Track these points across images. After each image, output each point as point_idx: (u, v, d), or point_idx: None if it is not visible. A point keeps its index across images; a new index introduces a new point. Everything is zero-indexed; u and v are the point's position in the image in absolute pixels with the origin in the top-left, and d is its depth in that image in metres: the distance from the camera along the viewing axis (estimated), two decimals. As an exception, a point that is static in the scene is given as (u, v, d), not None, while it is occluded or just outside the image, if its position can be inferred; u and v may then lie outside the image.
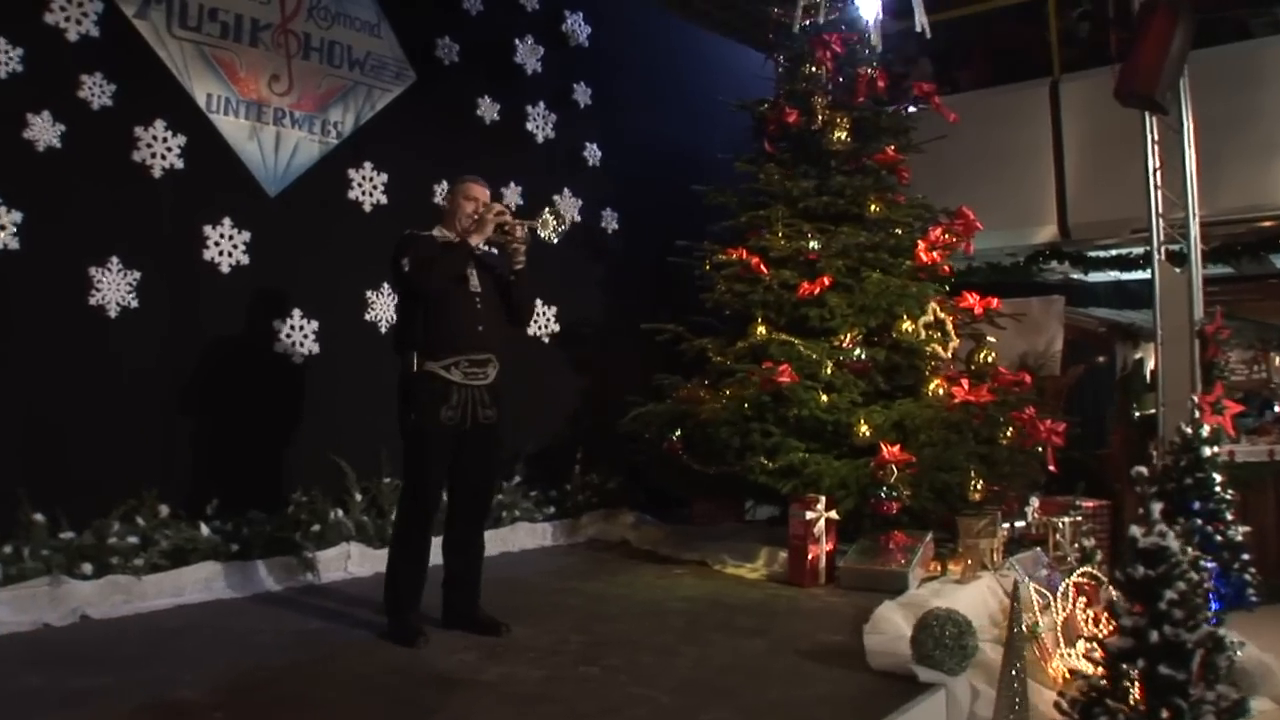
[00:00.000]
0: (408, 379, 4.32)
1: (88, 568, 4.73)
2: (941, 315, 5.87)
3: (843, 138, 6.10)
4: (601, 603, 5.09)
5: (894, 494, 5.36)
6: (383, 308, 5.95)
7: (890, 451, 5.42)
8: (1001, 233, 7.16)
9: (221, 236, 5.34)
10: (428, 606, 4.48)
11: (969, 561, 5.38)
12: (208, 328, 5.33)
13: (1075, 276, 7.58)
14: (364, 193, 5.92)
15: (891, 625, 4.42)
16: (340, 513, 5.63)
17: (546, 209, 4.49)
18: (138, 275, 5.04)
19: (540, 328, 6.78)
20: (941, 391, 5.80)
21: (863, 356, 5.84)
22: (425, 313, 4.32)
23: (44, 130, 4.76)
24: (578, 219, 7.03)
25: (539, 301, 6.72)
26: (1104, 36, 6.90)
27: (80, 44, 4.91)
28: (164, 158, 5.14)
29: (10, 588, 4.51)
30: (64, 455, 4.85)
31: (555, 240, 4.45)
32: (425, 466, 4.36)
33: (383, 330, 5.96)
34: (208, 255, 5.29)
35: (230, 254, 5.36)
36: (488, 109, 6.55)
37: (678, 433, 6.17)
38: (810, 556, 5.40)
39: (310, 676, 3.89)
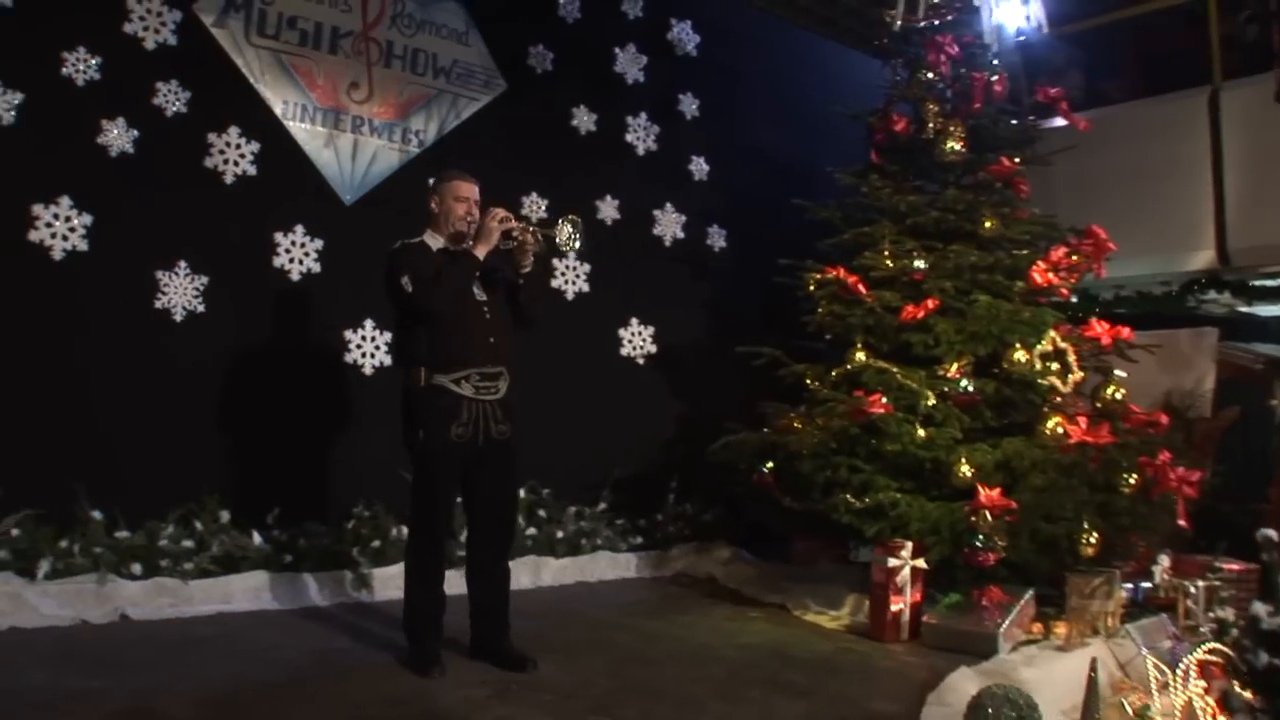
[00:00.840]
0: (413, 394, 4.10)
1: (137, 568, 4.78)
2: (1062, 345, 5.26)
3: (956, 148, 5.56)
4: (652, 643, 4.75)
5: (990, 544, 4.82)
6: None
7: (987, 495, 4.86)
8: (1151, 259, 6.38)
9: (293, 244, 5.37)
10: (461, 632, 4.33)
11: (1077, 626, 4.75)
12: (275, 335, 5.35)
13: (1242, 309, 6.70)
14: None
15: (960, 696, 3.85)
16: (403, 530, 5.59)
17: (563, 218, 4.17)
18: (205, 280, 5.11)
19: (635, 348, 6.53)
20: (1061, 430, 5.21)
21: (969, 388, 5.28)
22: (430, 325, 4.09)
23: (118, 136, 4.91)
24: (681, 235, 6.80)
25: (635, 321, 6.54)
26: (1272, 38, 6.06)
27: (157, 52, 5.06)
28: (236, 164, 5.21)
29: (58, 581, 4.60)
30: (124, 455, 4.93)
31: (575, 250, 4.18)
32: (434, 487, 4.15)
33: None
34: (278, 262, 5.33)
35: (301, 261, 5.38)
36: (583, 119, 6.38)
37: (769, 465, 5.81)
38: (892, 608, 4.89)
39: (299, 698, 3.74)
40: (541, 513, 6.06)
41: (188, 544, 4.95)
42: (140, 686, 3.76)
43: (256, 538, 5.07)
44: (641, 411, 6.45)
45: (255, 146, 5.25)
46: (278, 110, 5.32)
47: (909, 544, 5.00)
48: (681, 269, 6.68)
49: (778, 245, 6.14)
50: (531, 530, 5.95)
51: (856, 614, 5.27)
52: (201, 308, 5.09)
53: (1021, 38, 6.06)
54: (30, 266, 4.72)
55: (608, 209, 6.42)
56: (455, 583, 4.28)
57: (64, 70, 4.82)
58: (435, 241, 4.22)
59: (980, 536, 4.85)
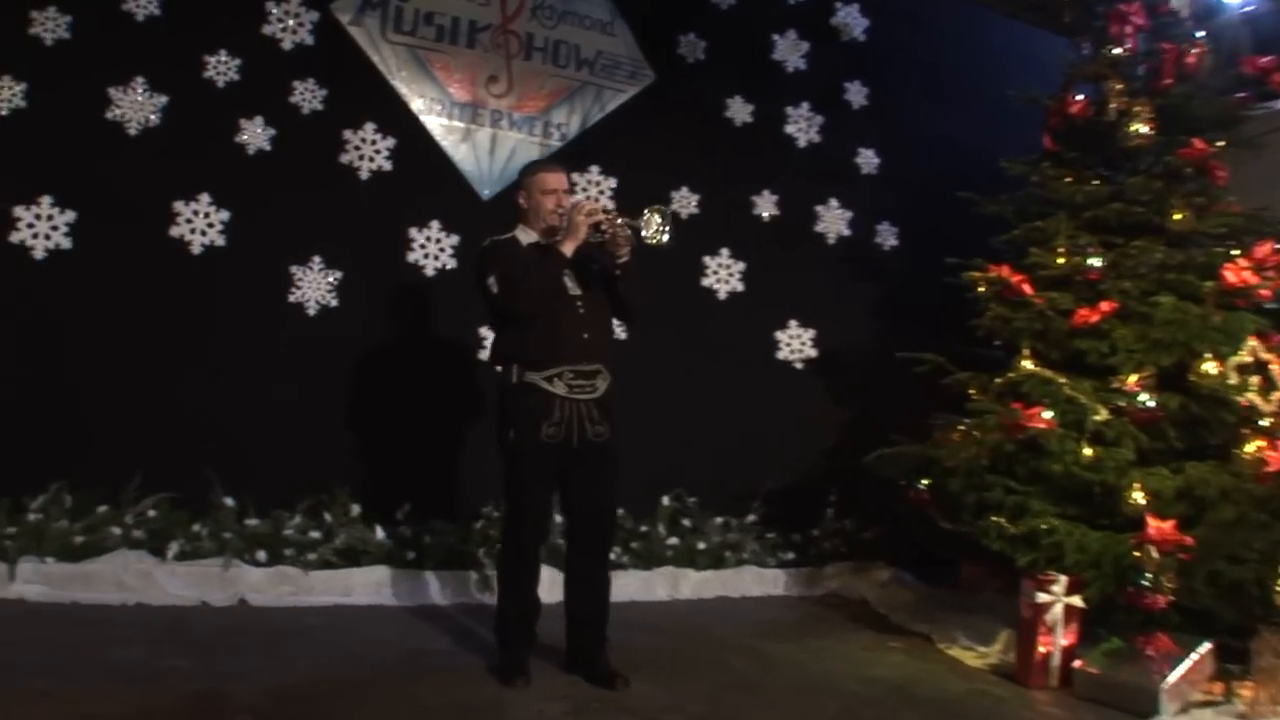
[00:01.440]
0: (505, 392, 4.00)
1: (261, 555, 4.92)
2: (1264, 356, 4.52)
3: (1142, 130, 4.89)
4: (768, 669, 4.45)
5: (1158, 584, 4.19)
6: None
7: (1156, 527, 4.23)
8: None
9: (428, 239, 5.40)
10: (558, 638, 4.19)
11: (1266, 690, 4.05)
12: (409, 330, 5.39)
13: None
14: (590, 198, 5.66)
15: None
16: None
17: (650, 207, 3.94)
18: (339, 275, 5.22)
19: (793, 352, 6.18)
20: (1260, 457, 4.46)
21: (1149, 403, 4.65)
22: (521, 322, 3.97)
23: (255, 134, 5.11)
24: (847, 232, 6.38)
25: (794, 324, 6.18)
26: None
27: (294, 52, 5.23)
28: (372, 160, 5.30)
29: (186, 563, 4.80)
30: (257, 445, 5.08)
31: (664, 242, 3.89)
32: (526, 490, 4.02)
33: None
34: (412, 257, 5.37)
35: (437, 257, 5.40)
36: (738, 110, 6.10)
37: (925, 481, 5.35)
38: (1040, 650, 4.35)
39: (369, 696, 3.75)
40: (686, 522, 5.84)
41: (315, 534, 5.03)
42: (226, 670, 3.86)
43: (380, 532, 5.11)
44: (799, 419, 6.08)
45: (391, 142, 5.32)
46: (414, 106, 5.37)
47: (1063, 578, 4.46)
48: (847, 269, 6.26)
49: (955, 243, 5.65)
50: (673, 540, 5.74)
51: (1007, 652, 4.73)
52: (335, 302, 5.21)
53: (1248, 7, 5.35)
54: (170, 260, 4.95)
55: (765, 204, 6.11)
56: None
57: (206, 73, 5.06)
58: (527, 236, 4.10)
59: (1147, 575, 4.27)
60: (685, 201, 5.93)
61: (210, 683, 3.71)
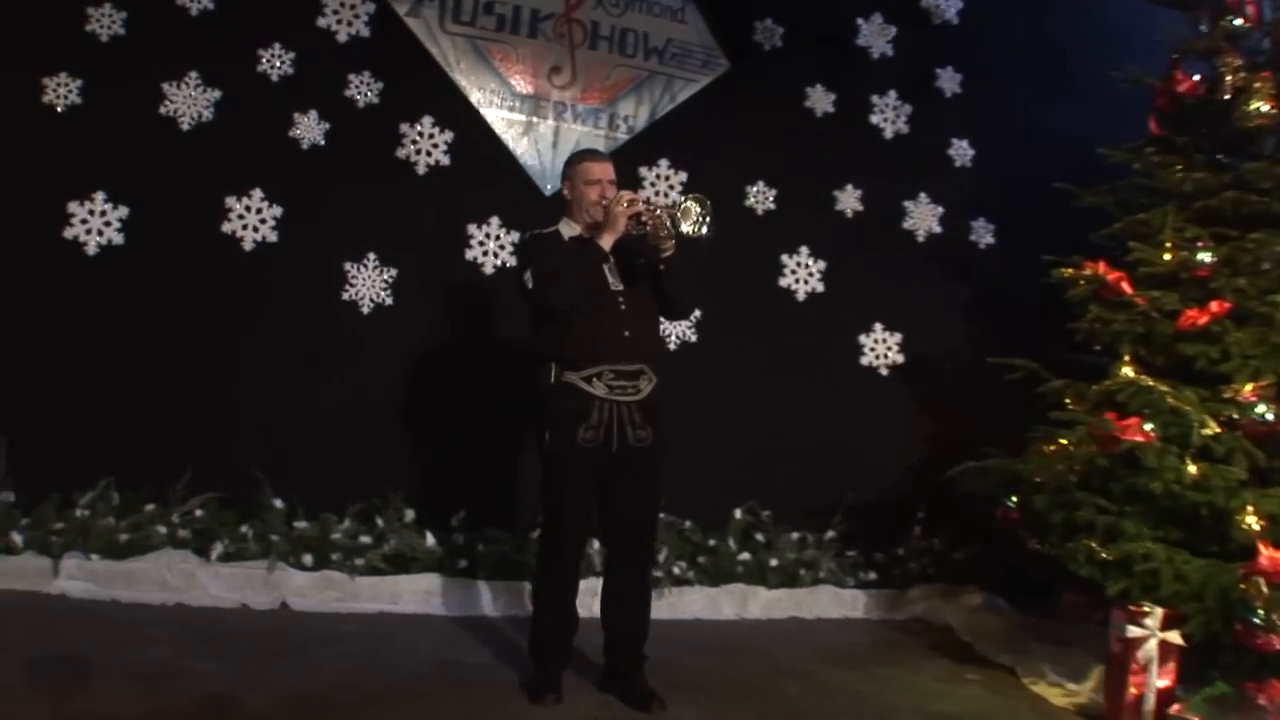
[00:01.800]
0: (542, 392, 3.81)
1: (308, 558, 4.84)
2: (1402, 364, 3.99)
3: (1263, 109, 4.36)
4: (824, 697, 4.13)
5: (1270, 623, 3.71)
6: (673, 323, 5.39)
7: (1270, 557, 3.75)
8: None
9: (487, 236, 5.27)
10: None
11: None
12: (467, 330, 5.26)
13: None
14: (658, 193, 5.49)
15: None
16: (595, 544, 5.28)
17: (686, 196, 3.70)
18: (394, 272, 5.13)
19: (878, 357, 5.81)
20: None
21: (1267, 416, 4.14)
22: (559, 319, 3.79)
23: (309, 129, 5.05)
24: (938, 229, 5.95)
25: (879, 327, 5.81)
26: None
27: (349, 44, 5.17)
28: (429, 154, 5.20)
29: (230, 564, 4.76)
30: (309, 446, 5.02)
31: (703, 234, 3.66)
32: (562, 496, 3.83)
33: (671, 347, 5.45)
34: (470, 255, 5.25)
35: (496, 254, 5.27)
36: (819, 99, 5.77)
37: (1014, 498, 4.94)
38: (1131, 691, 3.92)
39: (386, 708, 3.63)
40: (759, 537, 5.54)
41: (365, 539, 4.93)
42: (247, 675, 3.78)
43: (430, 539, 4.98)
44: (884, 429, 5.71)
45: (449, 136, 5.22)
46: (473, 98, 5.26)
47: (1159, 610, 4.01)
48: (937, 268, 5.87)
49: (1058, 240, 5.23)
50: (744, 556, 5.45)
51: (1099, 692, 4.28)
52: (390, 300, 5.12)
53: None
54: (222, 257, 4.93)
55: (848, 200, 5.77)
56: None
57: (259, 67, 5.04)
58: (570, 230, 3.93)
59: (1258, 611, 3.79)
60: (761, 197, 5.66)
61: (226, 687, 3.64)
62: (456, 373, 5.23)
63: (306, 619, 4.61)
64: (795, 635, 5.17)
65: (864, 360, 5.81)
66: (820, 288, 5.73)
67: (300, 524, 4.93)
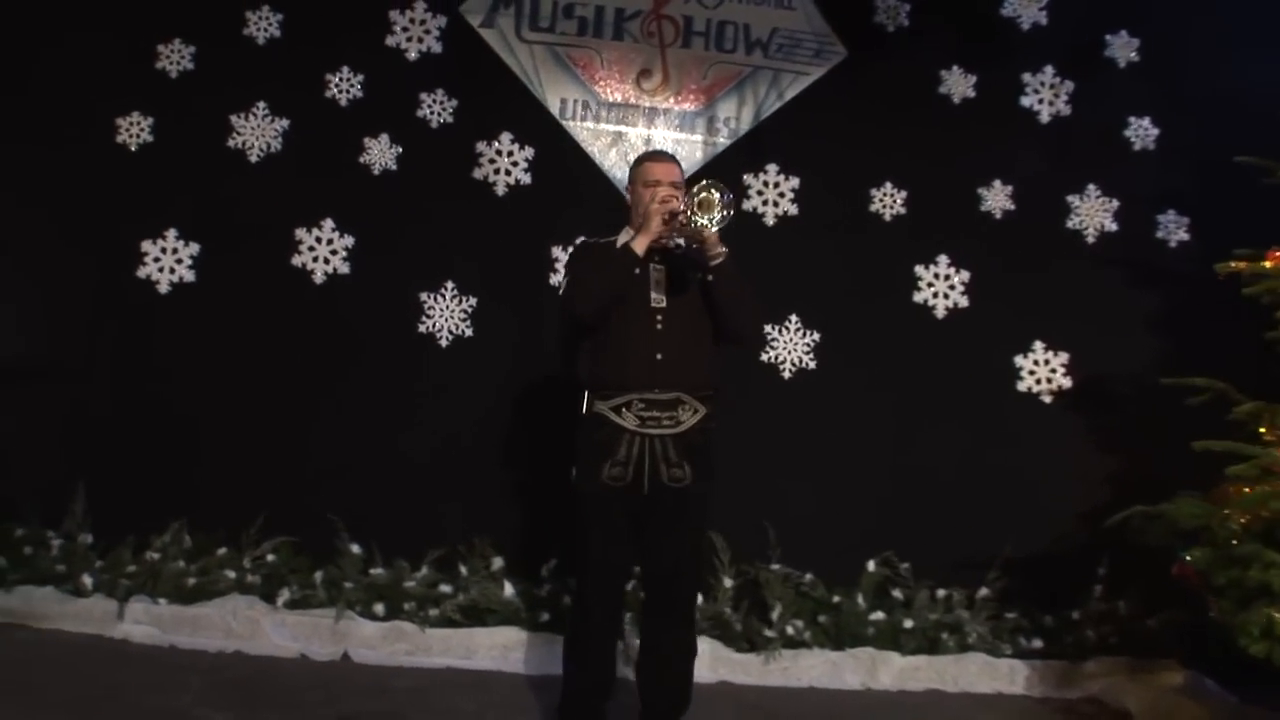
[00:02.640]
0: (577, 423, 3.60)
1: (379, 608, 4.75)
2: None
3: None
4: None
5: None
6: (785, 346, 5.06)
7: None
8: None
9: None
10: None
11: None
12: (539, 363, 5.00)
13: None
14: (766, 202, 5.14)
15: None
16: (700, 599, 4.89)
17: (704, 183, 3.34)
18: (474, 302, 5.01)
19: (1040, 381, 5.13)
20: None
21: None
22: (593, 338, 3.56)
23: (381, 153, 5.02)
24: (1113, 227, 5.19)
25: (1040, 346, 5.14)
26: None
27: (421, 62, 5.12)
28: (508, 173, 5.06)
29: (297, 612, 4.74)
30: (387, 488, 4.96)
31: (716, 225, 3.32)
32: (589, 541, 3.56)
33: (785, 375, 5.07)
34: (556, 280, 5.01)
35: None
36: (956, 83, 5.20)
37: (1193, 552, 4.17)
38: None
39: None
40: (896, 593, 5.00)
41: (445, 588, 4.81)
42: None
43: (508, 589, 4.79)
44: (1050, 467, 5.06)
45: (529, 152, 5.06)
46: (554, 110, 5.08)
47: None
48: (1114, 273, 5.12)
49: (1272, 231, 4.47)
50: (876, 615, 4.92)
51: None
52: (470, 331, 5.00)
53: None
54: (293, 291, 4.96)
55: (996, 198, 5.16)
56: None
57: (328, 92, 5.06)
58: (627, 237, 3.64)
59: None
60: (889, 200, 5.16)
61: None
62: (546, 408, 4.96)
63: (361, 672, 4.51)
64: (934, 712, 4.60)
65: (1021, 385, 5.14)
66: (964, 302, 5.14)
67: (376, 571, 4.85)
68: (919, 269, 5.16)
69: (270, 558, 4.86)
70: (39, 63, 4.98)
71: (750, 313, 3.64)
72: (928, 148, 5.20)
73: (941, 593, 5.05)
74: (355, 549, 4.87)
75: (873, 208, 5.17)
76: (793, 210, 5.16)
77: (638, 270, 3.48)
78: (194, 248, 4.97)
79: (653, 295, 3.53)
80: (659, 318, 3.51)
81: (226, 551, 4.83)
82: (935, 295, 5.17)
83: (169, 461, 4.84)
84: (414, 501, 4.93)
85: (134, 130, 4.95)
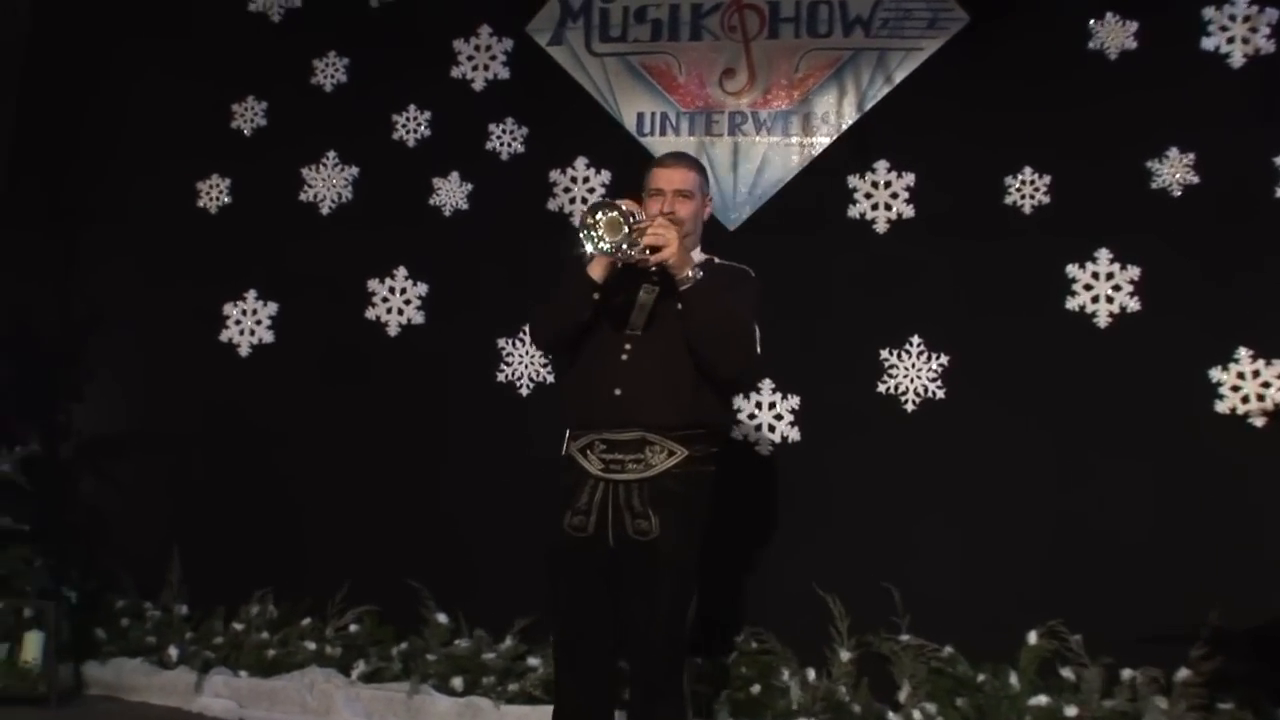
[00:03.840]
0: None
1: (458, 682, 4.73)
2: None
3: None
4: None
5: None
6: (906, 374, 4.64)
7: None
8: None
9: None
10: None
11: None
12: None
13: None
14: (876, 205, 4.79)
15: None
16: (810, 675, 4.53)
17: (590, 205, 3.23)
18: (553, 347, 4.99)
19: (1245, 400, 4.35)
20: None
21: None
22: (568, 369, 3.50)
23: (451, 193, 5.15)
24: None
25: (1245, 355, 4.38)
26: None
27: (488, 91, 5.23)
28: (585, 202, 5.01)
29: (372, 685, 4.81)
30: (473, 549, 4.97)
31: (618, 252, 3.15)
32: (556, 600, 3.45)
33: (908, 408, 4.65)
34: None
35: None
36: (1113, 34, 4.63)
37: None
38: None
39: None
40: (1065, 672, 4.38)
41: (533, 660, 4.74)
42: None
43: (594, 662, 4.64)
44: (1268, 506, 4.28)
45: (606, 176, 5.06)
46: (630, 126, 5.03)
47: None
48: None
49: None
50: (1038, 699, 4.31)
51: None
52: (551, 378, 4.93)
53: None
54: (369, 344, 5.12)
55: (1171, 171, 4.52)
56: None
57: (394, 134, 5.23)
58: None
59: None
60: (1028, 188, 4.67)
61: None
62: None
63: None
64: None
65: (1222, 406, 4.40)
66: (1134, 305, 4.51)
67: (462, 641, 4.87)
68: (1072, 269, 4.59)
69: (353, 628, 4.97)
70: (123, 139, 5.49)
71: (723, 350, 3.33)
72: (1077, 120, 4.66)
73: (1127, 673, 4.34)
74: (441, 618, 4.91)
75: (1008, 200, 4.68)
76: (908, 212, 4.78)
77: (596, 295, 3.32)
78: (272, 307, 5.25)
79: (632, 320, 3.36)
80: (627, 347, 3.34)
81: (311, 621, 5.02)
82: (1095, 300, 4.56)
83: (257, 528, 5.13)
84: (501, 565, 4.86)
85: (213, 193, 5.38)
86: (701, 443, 3.35)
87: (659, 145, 5.00)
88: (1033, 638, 4.47)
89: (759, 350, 3.40)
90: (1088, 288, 4.60)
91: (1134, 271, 4.55)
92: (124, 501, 5.29)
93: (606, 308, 3.38)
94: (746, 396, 4.80)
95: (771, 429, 4.82)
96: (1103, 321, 4.56)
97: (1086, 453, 4.56)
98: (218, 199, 5.35)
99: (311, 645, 4.98)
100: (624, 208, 3.22)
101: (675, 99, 5.03)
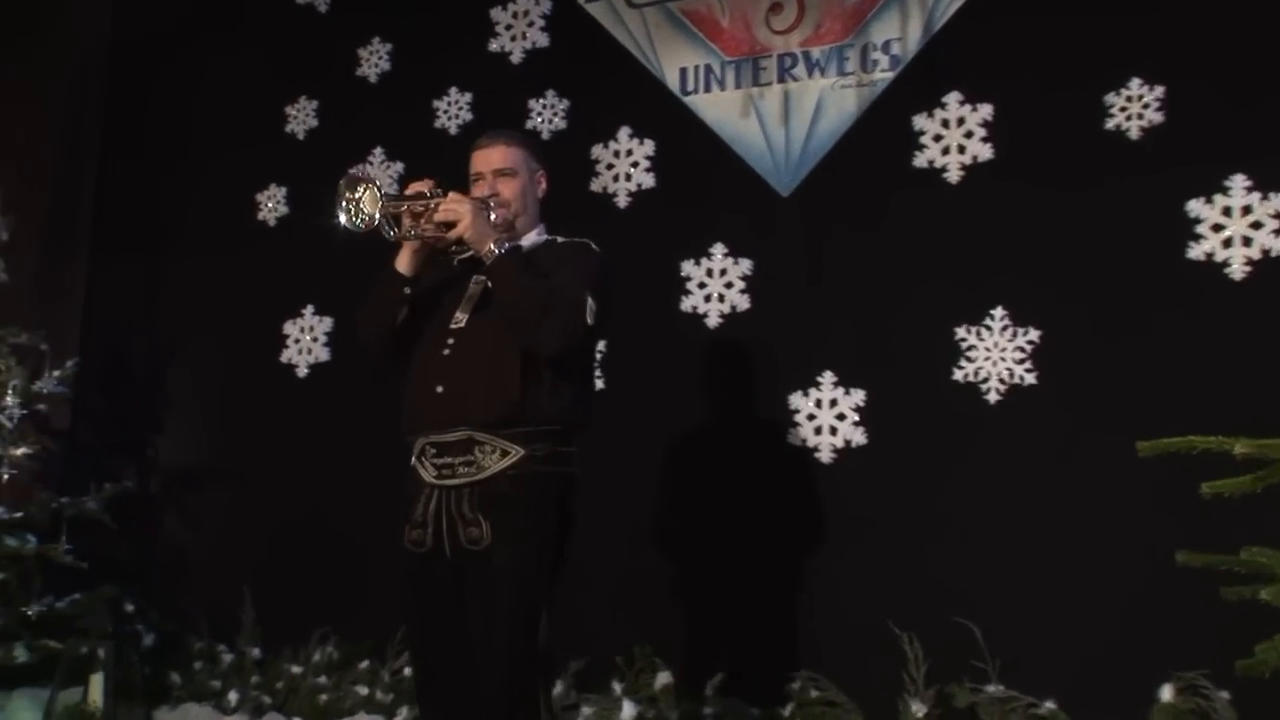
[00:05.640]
0: None
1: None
2: None
3: None
4: None
5: None
6: (987, 355, 4.27)
7: None
8: None
9: (709, 274, 4.84)
10: None
11: None
12: (695, 409, 4.81)
13: None
14: (947, 149, 4.50)
15: None
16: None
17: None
18: (602, 346, 4.85)
19: None
20: None
21: None
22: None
23: (494, 182, 5.20)
24: None
25: None
26: None
27: (527, 62, 5.41)
28: (628, 178, 5.06)
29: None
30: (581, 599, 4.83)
31: (360, 224, 3.32)
32: (406, 616, 3.59)
33: (990, 398, 4.30)
34: (689, 303, 4.86)
35: (722, 297, 4.82)
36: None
37: None
38: None
39: None
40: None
41: (586, 710, 4.74)
42: None
43: (626, 709, 4.57)
44: None
45: (649, 147, 5.09)
46: (673, 85, 5.02)
47: None
48: None
49: None
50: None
51: None
52: (601, 383, 4.87)
53: None
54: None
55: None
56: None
57: (437, 122, 5.48)
58: None
59: None
60: (1137, 106, 4.20)
61: None
62: (705, 474, 4.78)
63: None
64: None
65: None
66: (1280, 246, 3.97)
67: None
68: (1197, 207, 4.05)
69: (408, 670, 5.14)
70: (189, 154, 5.99)
71: (534, 324, 3.25)
72: (1195, 13, 4.12)
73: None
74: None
75: (1110, 123, 4.23)
76: (985, 153, 4.45)
77: (407, 289, 3.42)
78: (327, 323, 5.61)
79: (459, 312, 3.42)
80: (450, 341, 3.40)
81: (368, 665, 5.25)
82: (1228, 244, 3.99)
83: (322, 565, 5.39)
84: (559, 599, 4.85)
85: (271, 204, 5.82)
86: (545, 440, 3.29)
87: (704, 104, 5.01)
88: (1166, 693, 3.98)
89: (589, 321, 3.28)
90: (1217, 229, 4.02)
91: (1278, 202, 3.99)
92: (200, 538, 5.75)
93: (434, 303, 3.45)
94: (805, 394, 4.61)
95: (833, 431, 4.58)
96: (1238, 272, 3.99)
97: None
98: (275, 210, 5.79)
99: (364, 690, 5.20)
100: (416, 190, 3.36)
101: (719, 46, 4.98)
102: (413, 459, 3.45)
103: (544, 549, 3.33)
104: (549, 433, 3.31)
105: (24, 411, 5.52)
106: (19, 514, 5.42)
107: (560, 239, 3.60)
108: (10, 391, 5.48)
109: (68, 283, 6.24)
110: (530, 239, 3.49)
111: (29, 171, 6.06)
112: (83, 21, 6.33)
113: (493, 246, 3.26)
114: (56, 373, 5.61)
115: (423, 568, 3.38)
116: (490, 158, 3.53)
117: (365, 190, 3.31)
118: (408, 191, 3.44)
